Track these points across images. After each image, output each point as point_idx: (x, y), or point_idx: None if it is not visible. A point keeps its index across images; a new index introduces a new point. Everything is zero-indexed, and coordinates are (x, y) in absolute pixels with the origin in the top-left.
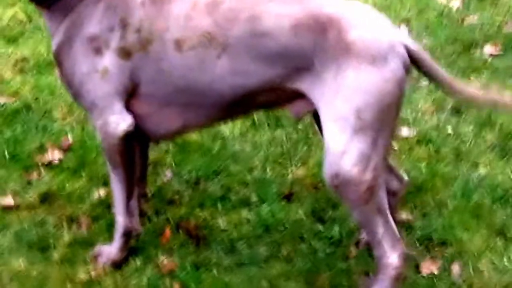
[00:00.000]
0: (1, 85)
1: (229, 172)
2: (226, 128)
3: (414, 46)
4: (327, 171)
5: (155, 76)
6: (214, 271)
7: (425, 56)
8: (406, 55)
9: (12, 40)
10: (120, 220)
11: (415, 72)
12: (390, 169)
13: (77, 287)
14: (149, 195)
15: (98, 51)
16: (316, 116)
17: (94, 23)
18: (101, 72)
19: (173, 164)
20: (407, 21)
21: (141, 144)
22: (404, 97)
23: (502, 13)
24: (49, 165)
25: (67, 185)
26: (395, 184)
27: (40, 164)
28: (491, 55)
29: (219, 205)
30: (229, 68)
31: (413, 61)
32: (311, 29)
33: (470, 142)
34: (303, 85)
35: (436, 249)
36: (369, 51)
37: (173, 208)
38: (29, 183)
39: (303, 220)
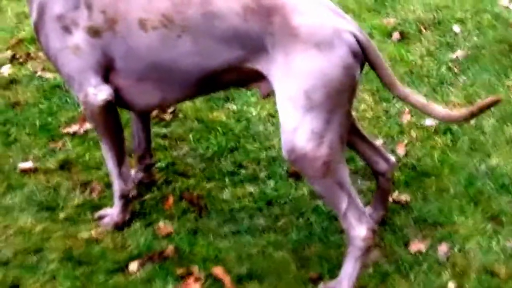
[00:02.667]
0: (48, 62)
1: (245, 150)
2: (255, 110)
3: (362, 35)
4: (284, 147)
5: (126, 53)
6: (210, 237)
7: (372, 47)
8: (354, 42)
9: None
10: (116, 183)
11: (454, 70)
12: (376, 151)
13: (78, 244)
14: (163, 165)
15: (67, 29)
16: None
17: (60, 3)
18: (72, 48)
19: (192, 141)
20: (461, 21)
21: (141, 117)
22: (357, 81)
23: None
24: (74, 135)
25: (87, 154)
26: (382, 165)
27: (66, 134)
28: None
29: (227, 179)
30: (189, 48)
31: (361, 50)
32: (257, 14)
33: (488, 135)
34: (259, 66)
35: (428, 230)
36: (314, 37)
37: (182, 179)
38: (52, 150)
39: (304, 196)
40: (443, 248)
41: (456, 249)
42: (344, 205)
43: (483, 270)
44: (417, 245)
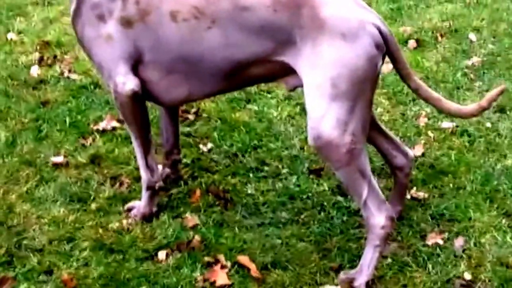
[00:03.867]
0: (75, 64)
1: (268, 148)
2: (276, 112)
3: (385, 27)
4: (310, 135)
5: (155, 45)
6: (236, 229)
7: (393, 40)
8: (377, 34)
9: None
10: (143, 175)
11: (470, 76)
12: (395, 145)
13: (108, 233)
14: (189, 162)
15: (101, 18)
16: None
17: None
18: (105, 37)
19: (217, 138)
20: (477, 29)
21: (169, 113)
22: (379, 71)
23: None
24: (103, 132)
25: (116, 150)
26: (400, 160)
27: (95, 131)
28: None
29: (251, 175)
30: (219, 40)
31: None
32: (287, 6)
33: (505, 137)
34: (287, 58)
35: (445, 224)
36: (340, 28)
37: (207, 175)
38: (83, 145)
39: (326, 192)
40: (459, 242)
41: (471, 243)
42: (364, 193)
43: (497, 262)
44: (434, 238)
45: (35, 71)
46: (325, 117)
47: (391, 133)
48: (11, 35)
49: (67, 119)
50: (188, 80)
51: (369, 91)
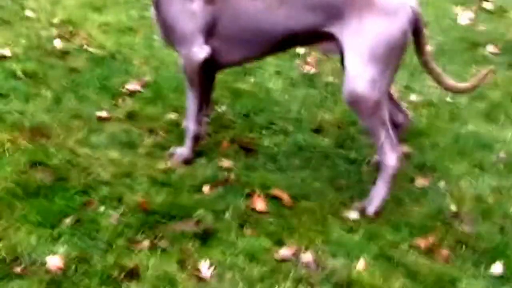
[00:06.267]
0: (89, 39)
1: (272, 111)
2: (271, 83)
3: (419, 10)
4: (346, 90)
5: (232, 19)
6: (262, 171)
7: (423, 20)
8: (412, 14)
9: (97, 9)
10: (191, 126)
11: None
12: (398, 106)
13: (158, 172)
14: (209, 120)
15: None
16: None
17: None
18: (190, 12)
19: (227, 102)
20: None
21: (211, 72)
22: (408, 43)
23: (506, 25)
24: (131, 94)
25: (145, 108)
26: (400, 118)
27: (123, 93)
28: (491, 53)
29: (264, 131)
30: (285, 15)
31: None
32: None
33: (463, 108)
34: (334, 28)
35: (428, 172)
36: (385, 6)
37: (228, 130)
38: (116, 105)
39: (329, 145)
40: (442, 184)
41: (452, 185)
42: (383, 137)
43: (475, 199)
44: (422, 182)
45: (58, 43)
46: (361, 76)
47: (396, 96)
48: (28, 13)
49: (97, 83)
50: (248, 45)
51: (399, 58)
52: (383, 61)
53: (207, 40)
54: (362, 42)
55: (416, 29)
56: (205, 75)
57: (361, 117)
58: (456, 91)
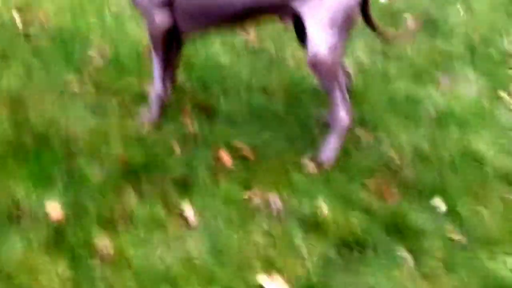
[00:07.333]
0: (48, 20)
1: (224, 79)
2: (220, 55)
3: None
4: (310, 54)
5: None
6: (223, 130)
7: None
8: None
9: None
10: (157, 89)
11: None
12: (343, 68)
13: (130, 133)
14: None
15: None
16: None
17: None
18: None
19: (185, 72)
20: None
21: (176, 39)
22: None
23: None
24: (96, 67)
25: (111, 79)
26: (346, 79)
27: (88, 66)
28: (410, 19)
29: (220, 97)
30: None
31: None
32: None
33: (393, 72)
34: (296, 3)
35: (369, 127)
36: None
37: (187, 96)
38: (83, 77)
39: (280, 107)
40: (383, 136)
41: (392, 137)
42: (338, 96)
43: (413, 148)
44: (365, 135)
45: (19, 25)
46: (323, 42)
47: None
48: None
49: (62, 59)
50: (209, 18)
51: (353, 25)
52: (341, 28)
53: (168, 11)
54: (322, 12)
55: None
56: (169, 42)
57: (321, 78)
58: (397, 41)
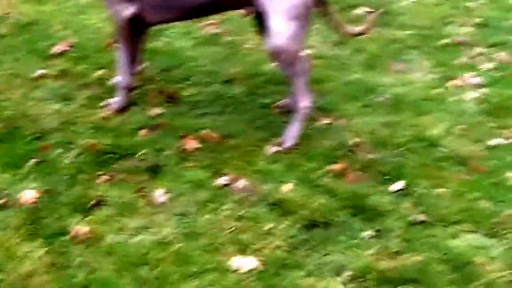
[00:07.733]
0: (11, 8)
1: (187, 66)
2: (181, 42)
3: None
4: (271, 44)
5: None
6: (187, 116)
7: None
8: None
9: None
10: (123, 77)
11: None
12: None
13: (98, 119)
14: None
15: None
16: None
17: None
18: None
19: (147, 59)
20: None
21: (140, 29)
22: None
23: None
24: (60, 54)
25: (76, 66)
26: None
27: (53, 53)
28: (365, 11)
29: (183, 83)
30: None
31: None
32: None
33: (348, 60)
34: None
35: (327, 112)
36: None
37: (151, 83)
38: (48, 64)
39: (242, 93)
40: (341, 122)
41: (349, 122)
42: (300, 84)
43: (370, 132)
44: (324, 120)
45: None
46: (283, 32)
47: None
48: None
49: (27, 47)
50: (172, 8)
51: (311, 15)
52: (299, 18)
53: (132, 2)
54: (283, 3)
55: None
56: (133, 31)
57: (283, 66)
58: (353, 35)
